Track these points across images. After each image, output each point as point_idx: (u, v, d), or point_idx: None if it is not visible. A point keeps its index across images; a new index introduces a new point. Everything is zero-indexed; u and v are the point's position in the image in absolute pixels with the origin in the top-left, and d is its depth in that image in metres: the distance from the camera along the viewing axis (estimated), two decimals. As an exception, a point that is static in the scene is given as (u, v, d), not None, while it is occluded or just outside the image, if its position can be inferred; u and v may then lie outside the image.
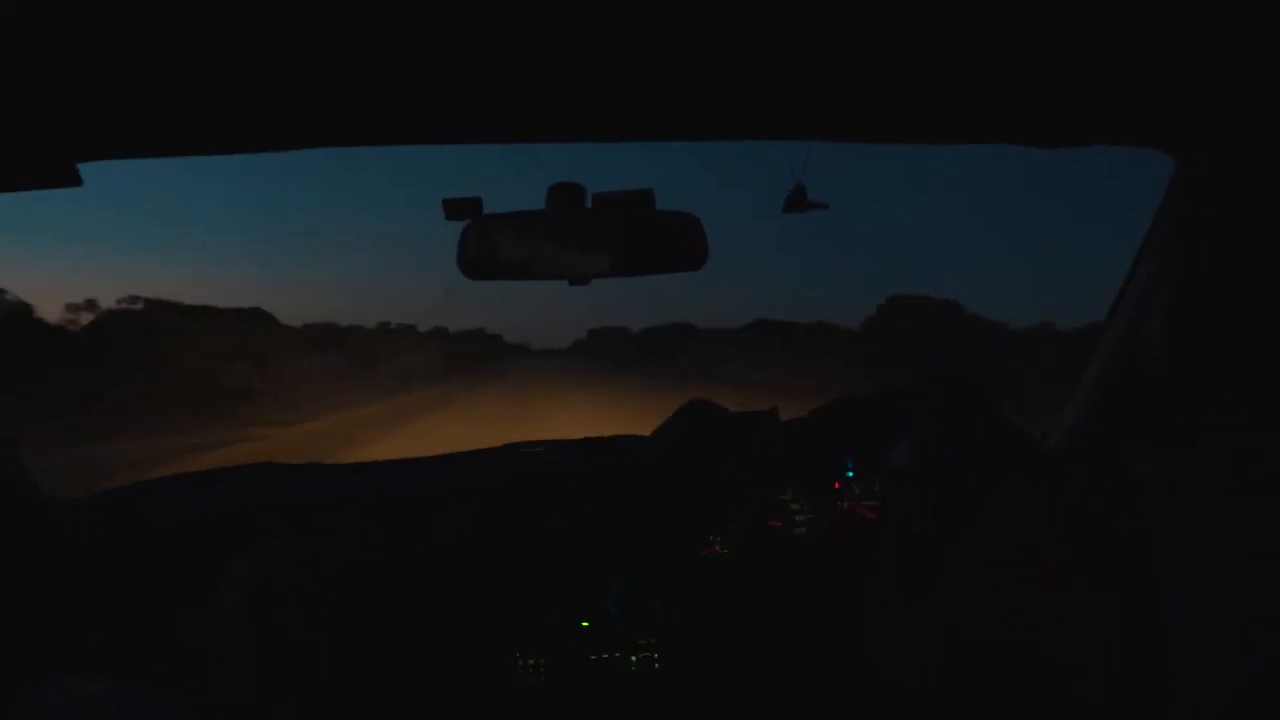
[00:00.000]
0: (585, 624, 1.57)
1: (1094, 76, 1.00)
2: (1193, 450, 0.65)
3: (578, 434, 1.90)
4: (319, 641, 0.84)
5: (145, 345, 20.51)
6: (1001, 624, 0.70)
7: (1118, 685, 0.62)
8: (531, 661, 1.55)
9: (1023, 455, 0.95)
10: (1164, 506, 0.61)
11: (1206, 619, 0.59)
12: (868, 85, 1.06)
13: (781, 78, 1.04)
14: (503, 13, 0.84)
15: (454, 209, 1.29)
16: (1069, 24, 0.86)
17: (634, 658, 1.57)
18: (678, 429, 1.79)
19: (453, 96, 1.09)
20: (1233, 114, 0.88)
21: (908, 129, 1.24)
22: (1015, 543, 0.70)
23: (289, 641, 0.81)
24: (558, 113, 1.19)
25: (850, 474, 1.68)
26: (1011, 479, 0.73)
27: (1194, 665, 0.58)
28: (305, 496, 1.64)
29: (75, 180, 1.16)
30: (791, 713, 1.57)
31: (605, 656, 1.57)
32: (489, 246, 1.32)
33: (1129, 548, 0.62)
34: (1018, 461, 0.92)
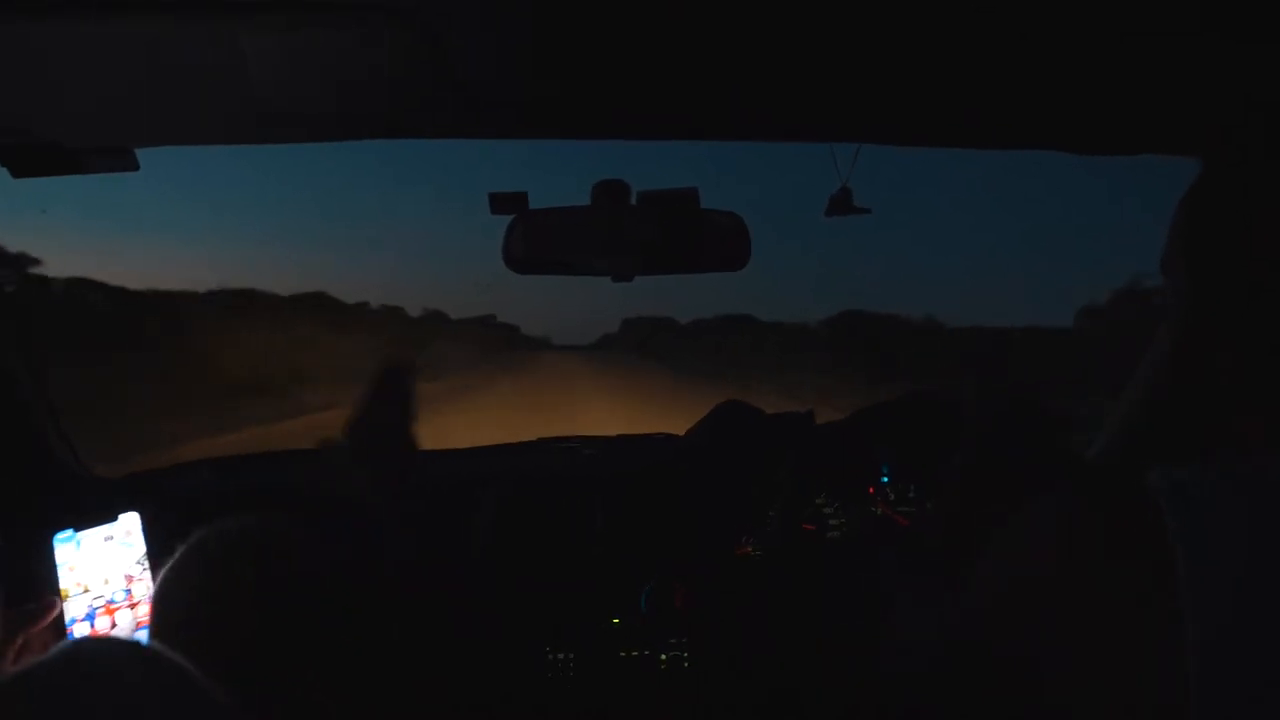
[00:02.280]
0: (616, 621, 1.58)
1: (1131, 83, 0.99)
2: (1214, 468, 0.64)
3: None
4: (351, 629, 0.85)
5: (197, 330, 20.86)
6: (1012, 633, 0.70)
7: (1131, 704, 0.61)
8: (561, 657, 1.55)
9: (1061, 467, 0.95)
10: (1183, 525, 0.60)
11: (1225, 639, 0.58)
12: (911, 88, 1.05)
13: (825, 79, 1.03)
14: (557, 9, 0.83)
15: (500, 203, 1.29)
16: (1105, 32, 0.85)
17: (664, 656, 1.58)
18: (712, 428, 1.79)
19: (501, 92, 1.09)
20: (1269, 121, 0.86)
21: (948, 132, 1.23)
22: (1035, 555, 0.70)
23: (316, 629, 0.81)
24: (604, 109, 1.18)
25: (885, 479, 1.66)
26: (1043, 490, 0.72)
27: (1211, 685, 0.58)
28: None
29: (133, 165, 1.18)
30: (819, 714, 1.57)
31: (635, 654, 1.57)
32: (534, 241, 1.33)
33: (1148, 567, 0.61)
34: (1055, 473, 0.92)
